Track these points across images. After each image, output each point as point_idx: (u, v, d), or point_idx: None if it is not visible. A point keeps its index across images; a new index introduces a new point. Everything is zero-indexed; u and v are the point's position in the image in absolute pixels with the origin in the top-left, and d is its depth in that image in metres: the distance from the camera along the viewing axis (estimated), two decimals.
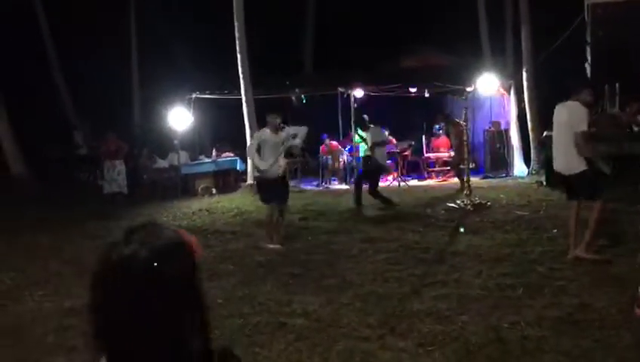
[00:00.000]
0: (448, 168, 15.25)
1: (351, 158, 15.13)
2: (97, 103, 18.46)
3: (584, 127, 6.00)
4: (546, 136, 12.18)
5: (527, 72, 14.23)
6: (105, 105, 18.34)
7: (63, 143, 18.33)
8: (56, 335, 4.91)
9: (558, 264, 6.16)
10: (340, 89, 14.82)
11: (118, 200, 13.91)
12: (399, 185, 13.70)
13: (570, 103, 6.18)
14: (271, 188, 7.98)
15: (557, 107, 6.37)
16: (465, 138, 10.86)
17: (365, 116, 11.67)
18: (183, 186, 14.70)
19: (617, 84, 10.91)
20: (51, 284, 6.55)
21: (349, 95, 14.91)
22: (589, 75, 10.63)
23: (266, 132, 8.06)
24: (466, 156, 10.95)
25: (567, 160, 6.18)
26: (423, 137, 15.91)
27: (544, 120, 13.44)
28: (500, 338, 4.28)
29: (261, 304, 5.44)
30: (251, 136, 13.85)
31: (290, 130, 8.31)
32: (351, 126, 14.97)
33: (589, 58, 10.79)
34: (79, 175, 17.06)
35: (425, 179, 15.26)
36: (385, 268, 6.52)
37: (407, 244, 7.60)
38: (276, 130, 8.00)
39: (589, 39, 10.88)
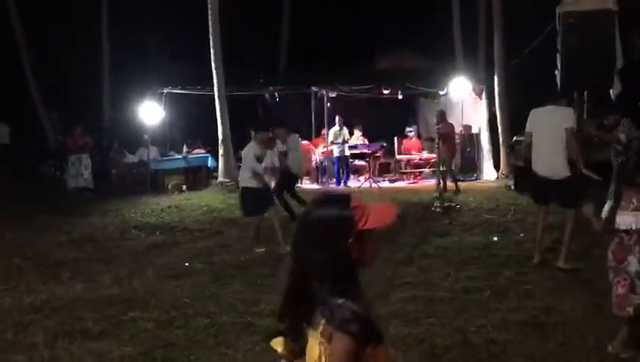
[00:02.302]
0: (420, 170, 15.37)
1: (323, 158, 15.11)
2: (66, 96, 18.09)
3: (573, 125, 6.07)
4: (515, 140, 12.36)
5: (498, 77, 14.40)
6: (74, 98, 17.97)
7: (29, 136, 17.91)
8: (15, 332, 4.78)
9: (524, 268, 6.24)
10: (314, 88, 14.80)
11: (85, 196, 13.66)
12: (370, 186, 13.72)
13: (555, 107, 6.24)
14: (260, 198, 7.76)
15: (537, 112, 6.36)
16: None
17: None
18: (153, 182, 14.47)
19: (586, 92, 11.10)
20: (12, 280, 6.37)
21: (322, 95, 14.91)
22: (559, 82, 10.77)
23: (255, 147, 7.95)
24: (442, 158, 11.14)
25: (553, 164, 6.16)
26: (395, 139, 15.98)
27: (514, 124, 13.63)
28: (466, 341, 4.30)
29: (229, 303, 5.38)
30: (223, 133, 13.79)
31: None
32: (324, 125, 14.99)
33: (559, 65, 10.94)
34: (45, 169, 16.67)
35: (396, 181, 15.32)
36: None
37: None
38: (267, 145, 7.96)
39: (559, 47, 11.03)
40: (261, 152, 7.83)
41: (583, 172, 6.09)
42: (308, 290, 1.65)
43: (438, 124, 11.83)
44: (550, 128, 6.18)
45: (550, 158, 6.18)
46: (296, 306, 1.71)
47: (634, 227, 3.80)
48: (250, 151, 7.82)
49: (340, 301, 1.59)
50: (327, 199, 1.75)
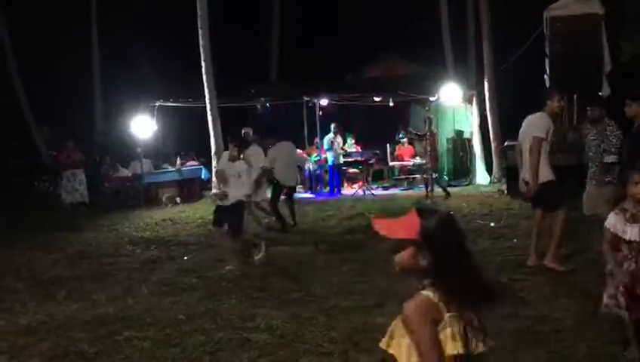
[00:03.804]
0: (413, 176, 15.42)
1: (316, 167, 15.15)
2: (58, 111, 18.07)
3: (540, 134, 6.16)
4: (507, 145, 12.43)
5: (488, 82, 14.49)
6: (66, 113, 17.96)
7: (23, 153, 17.90)
8: (10, 357, 4.76)
9: (518, 274, 6.28)
10: (305, 97, 14.85)
11: (80, 211, 13.65)
12: (364, 194, 13.76)
13: (536, 114, 6.35)
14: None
15: (526, 118, 6.54)
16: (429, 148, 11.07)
17: None
18: (146, 195, 14.48)
19: (575, 96, 11.19)
20: (7, 301, 6.35)
21: (314, 104, 14.96)
22: (548, 86, 10.86)
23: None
24: (430, 165, 11.16)
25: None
26: (388, 146, 16.04)
27: (505, 129, 13.71)
28: None
29: (224, 319, 5.38)
30: (216, 145, 13.79)
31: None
32: (317, 134, 15.04)
33: (548, 70, 11.04)
34: (40, 185, 16.64)
35: (389, 187, 15.36)
36: (349, 280, 6.53)
37: (371, 256, 7.63)
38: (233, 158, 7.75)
39: (548, 51, 11.14)
40: (227, 164, 7.76)
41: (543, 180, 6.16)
42: None
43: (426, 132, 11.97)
44: (527, 136, 6.36)
45: (527, 164, 6.37)
46: None
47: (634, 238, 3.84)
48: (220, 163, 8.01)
49: None
50: None
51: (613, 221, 3.91)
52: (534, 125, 6.30)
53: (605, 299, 3.96)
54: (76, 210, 13.78)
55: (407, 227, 1.91)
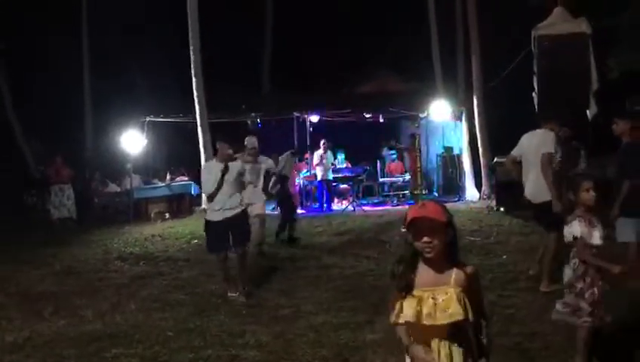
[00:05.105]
0: (403, 193, 15.45)
1: (307, 182, 15.15)
2: (48, 126, 17.99)
3: (550, 150, 6.19)
4: (496, 161, 12.52)
5: (477, 98, 14.61)
6: (56, 128, 17.89)
7: (11, 167, 17.75)
8: None
9: (507, 291, 6.27)
10: (296, 113, 14.90)
11: (68, 226, 13.55)
12: (354, 209, 13.76)
13: (540, 131, 6.39)
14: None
15: (526, 135, 6.55)
16: (418, 164, 11.07)
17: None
18: (136, 211, 14.41)
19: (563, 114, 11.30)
20: None
21: (304, 119, 15.01)
22: (536, 103, 10.97)
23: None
24: (419, 182, 11.17)
25: (534, 187, 6.32)
26: (378, 162, 16.09)
27: (494, 145, 13.81)
28: None
29: (213, 336, 5.34)
30: (206, 160, 13.74)
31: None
32: (307, 150, 15.06)
33: (536, 87, 11.14)
34: (28, 199, 16.51)
35: (379, 203, 15.38)
36: (339, 296, 6.51)
37: (362, 271, 7.63)
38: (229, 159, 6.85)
39: (536, 69, 11.25)
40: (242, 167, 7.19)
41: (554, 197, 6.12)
42: None
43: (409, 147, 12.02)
44: (533, 152, 6.35)
45: (532, 182, 6.37)
46: None
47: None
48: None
49: None
50: None
51: (580, 228, 3.98)
52: (543, 142, 6.25)
53: (559, 306, 4.10)
54: (64, 225, 13.69)
55: (438, 211, 2.50)
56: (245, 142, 8.81)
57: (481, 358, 2.52)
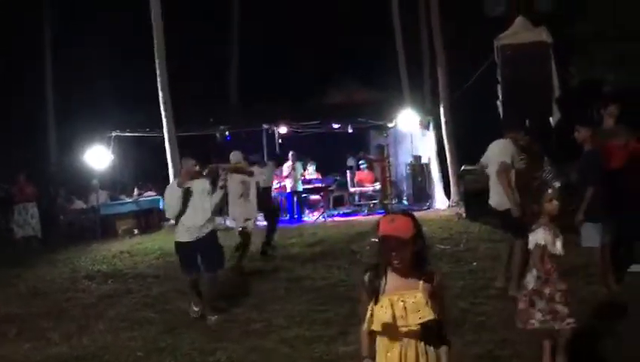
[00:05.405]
0: (374, 202, 15.51)
1: (277, 194, 15.08)
2: (9, 141, 17.57)
3: (505, 159, 6.29)
4: (463, 169, 12.68)
5: (444, 108, 14.79)
6: (18, 144, 17.48)
7: None
8: None
9: (478, 298, 6.34)
10: (265, 125, 14.88)
11: (33, 245, 13.24)
12: (325, 220, 13.76)
13: (502, 140, 6.51)
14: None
15: (491, 144, 6.67)
16: (387, 174, 11.13)
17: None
18: (103, 227, 14.16)
19: (527, 121, 11.49)
20: None
21: (273, 131, 15.00)
22: (501, 112, 11.13)
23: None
24: (389, 191, 11.23)
25: (497, 196, 6.42)
26: (348, 172, 16.14)
27: (462, 154, 13.98)
28: None
29: (184, 354, 5.26)
30: (174, 175, 13.58)
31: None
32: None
33: (500, 96, 11.31)
34: None
35: (350, 213, 15.40)
36: (311, 308, 6.48)
37: (334, 283, 7.62)
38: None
39: (499, 78, 11.42)
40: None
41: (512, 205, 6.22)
42: None
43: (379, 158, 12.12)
44: (494, 162, 6.47)
45: (494, 190, 6.49)
46: None
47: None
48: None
49: None
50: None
51: (543, 236, 4.05)
52: (500, 150, 6.41)
53: (539, 315, 4.10)
54: (28, 244, 13.38)
55: (406, 228, 2.51)
56: (230, 157, 8.83)
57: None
